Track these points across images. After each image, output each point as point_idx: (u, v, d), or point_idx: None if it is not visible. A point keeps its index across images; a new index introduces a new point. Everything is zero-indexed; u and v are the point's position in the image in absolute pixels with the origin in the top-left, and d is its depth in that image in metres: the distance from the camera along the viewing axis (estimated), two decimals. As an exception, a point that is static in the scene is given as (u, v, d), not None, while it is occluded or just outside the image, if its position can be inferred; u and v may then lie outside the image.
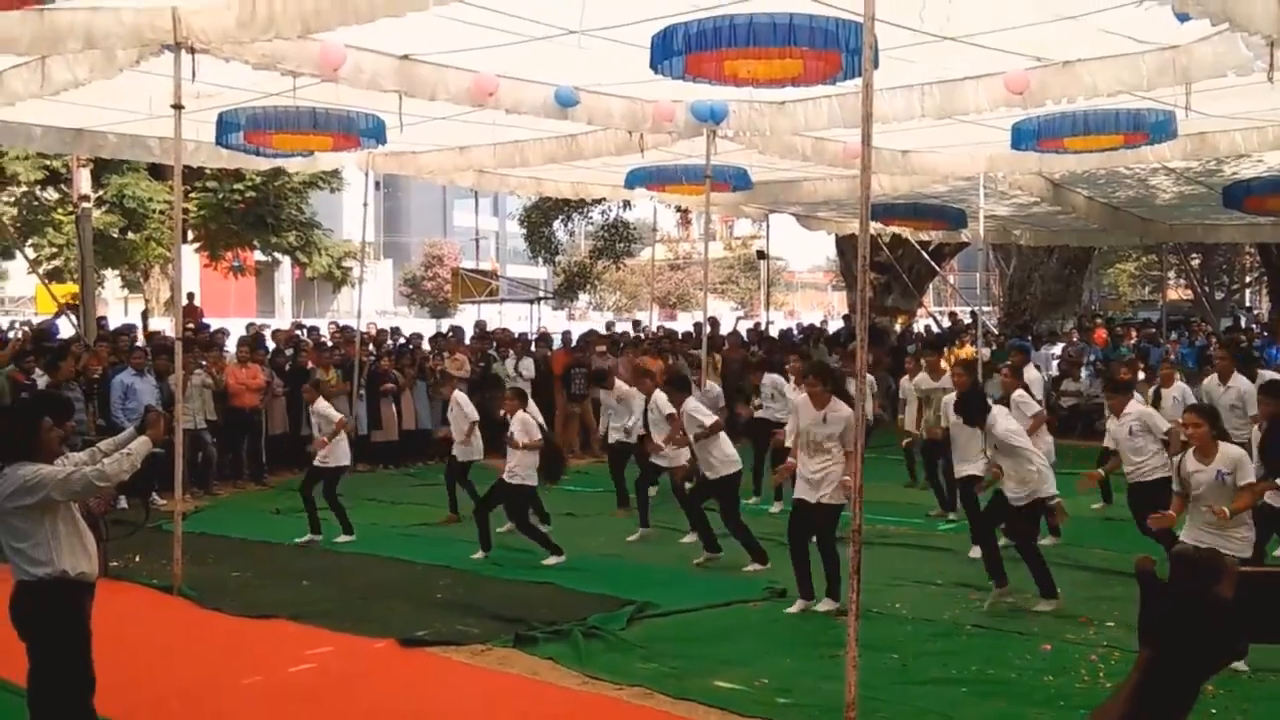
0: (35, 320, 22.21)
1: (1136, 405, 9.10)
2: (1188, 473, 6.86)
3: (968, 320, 22.98)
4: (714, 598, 8.41)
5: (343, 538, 10.70)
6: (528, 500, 10.12)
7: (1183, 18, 7.02)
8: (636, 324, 22.59)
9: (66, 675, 5.05)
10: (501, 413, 10.28)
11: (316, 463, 10.65)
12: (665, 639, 7.48)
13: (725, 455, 9.53)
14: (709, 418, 9.71)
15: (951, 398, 9.37)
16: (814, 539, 8.12)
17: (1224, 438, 7.05)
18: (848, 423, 7.83)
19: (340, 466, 10.76)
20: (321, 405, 10.86)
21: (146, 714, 5.98)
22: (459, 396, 11.37)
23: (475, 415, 11.18)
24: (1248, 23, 7.11)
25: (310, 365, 15.09)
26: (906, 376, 12.30)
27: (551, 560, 9.59)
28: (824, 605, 8.08)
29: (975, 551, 9.00)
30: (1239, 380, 10.59)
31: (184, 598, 8.61)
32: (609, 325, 23.28)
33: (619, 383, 12.00)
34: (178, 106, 8.83)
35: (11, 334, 17.32)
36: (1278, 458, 7.53)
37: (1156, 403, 11.40)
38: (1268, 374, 10.75)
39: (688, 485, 10.30)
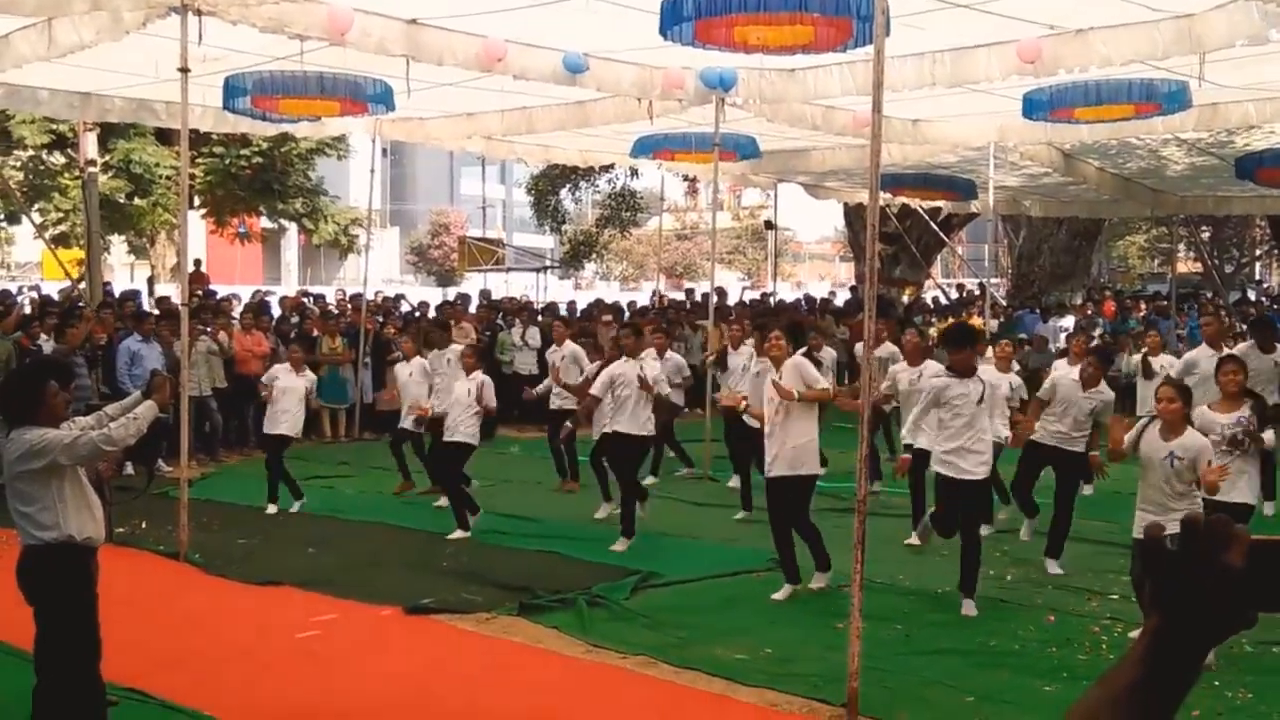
0: (42, 286, 22.25)
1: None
2: (1145, 442, 6.49)
3: (976, 291, 22.91)
4: (718, 568, 8.42)
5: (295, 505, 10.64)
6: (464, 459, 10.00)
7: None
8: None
9: (73, 640, 5.06)
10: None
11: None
12: (669, 609, 7.49)
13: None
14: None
15: (900, 366, 9.52)
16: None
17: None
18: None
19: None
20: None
21: (152, 679, 5.99)
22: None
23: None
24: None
25: (316, 333, 15.08)
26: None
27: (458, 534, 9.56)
28: (816, 582, 7.90)
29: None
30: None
31: (190, 564, 8.63)
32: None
33: (569, 341, 11.93)
34: (184, 70, 8.77)
35: (21, 298, 17.37)
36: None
37: (1146, 372, 11.44)
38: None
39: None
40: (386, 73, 10.23)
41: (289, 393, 10.46)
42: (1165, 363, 11.38)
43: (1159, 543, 1.28)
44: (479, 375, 9.93)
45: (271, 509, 10.50)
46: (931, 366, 8.83)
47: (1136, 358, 12.40)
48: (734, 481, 11.04)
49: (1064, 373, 9.03)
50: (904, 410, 9.33)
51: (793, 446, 7.69)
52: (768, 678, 6.19)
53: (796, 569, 7.82)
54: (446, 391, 10.31)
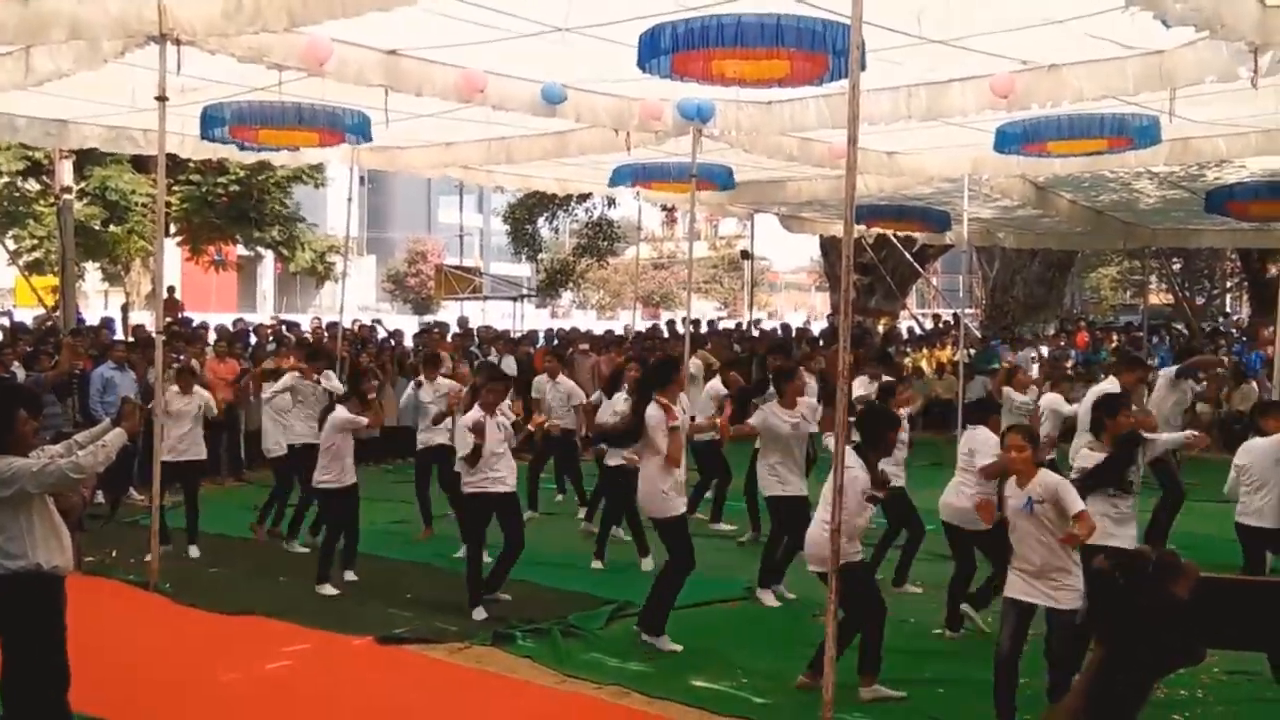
0: (15, 312, 22.07)
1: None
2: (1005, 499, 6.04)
3: (951, 322, 23.05)
4: (693, 597, 8.38)
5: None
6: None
7: (1167, 23, 7.03)
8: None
9: (40, 670, 5.01)
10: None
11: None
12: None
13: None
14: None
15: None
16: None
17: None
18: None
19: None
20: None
21: (121, 710, 5.93)
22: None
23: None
24: (1232, 29, 7.15)
25: (291, 361, 14.98)
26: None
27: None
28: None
29: None
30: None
31: (160, 594, 8.55)
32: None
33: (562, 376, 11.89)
34: (162, 99, 8.78)
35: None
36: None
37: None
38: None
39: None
40: (365, 102, 10.26)
41: (181, 417, 9.95)
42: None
43: (1105, 573, 1.31)
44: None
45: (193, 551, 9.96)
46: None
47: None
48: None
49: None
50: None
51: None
52: (743, 707, 6.19)
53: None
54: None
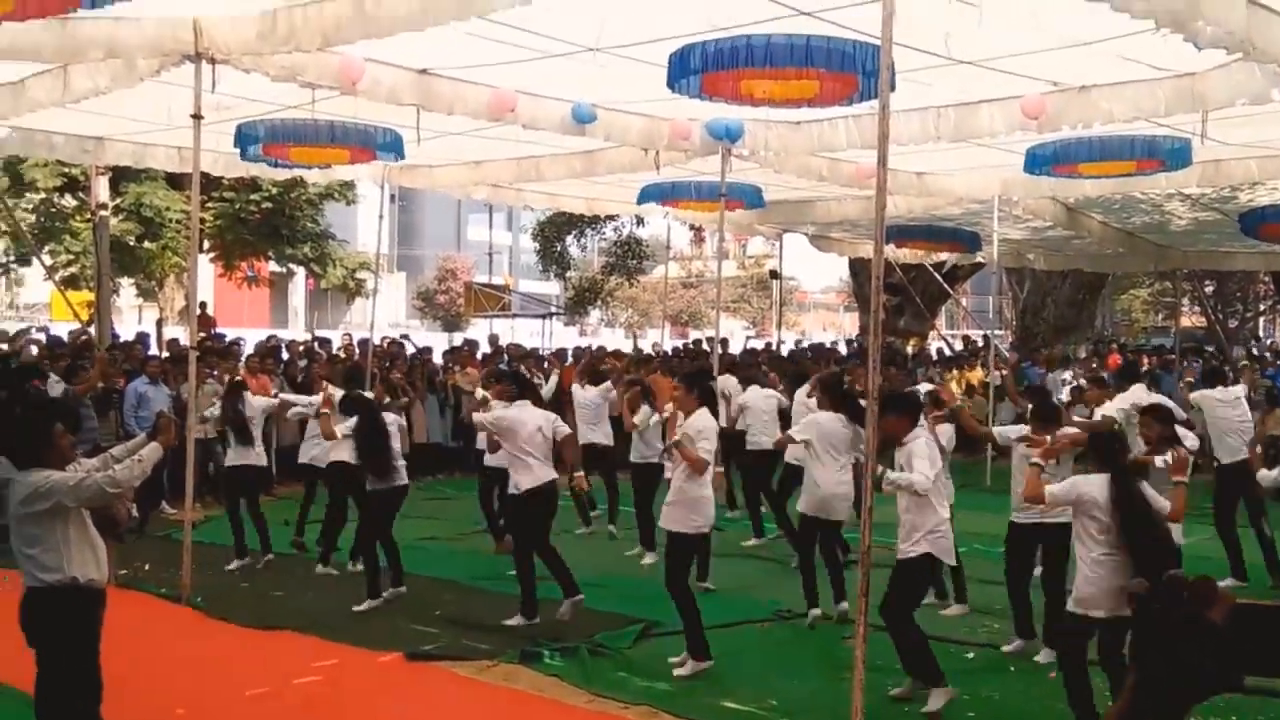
0: (51, 327, 22.34)
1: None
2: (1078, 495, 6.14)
3: (980, 343, 22.94)
4: (723, 617, 8.36)
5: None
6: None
7: (1199, 45, 7.01)
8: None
9: (74, 682, 5.06)
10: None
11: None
12: (671, 657, 7.45)
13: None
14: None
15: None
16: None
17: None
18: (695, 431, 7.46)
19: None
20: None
21: (152, 722, 5.98)
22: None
23: None
24: (1264, 51, 7.12)
25: (322, 376, 15.09)
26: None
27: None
28: (685, 669, 7.24)
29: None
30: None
31: (192, 608, 8.62)
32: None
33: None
34: (197, 117, 8.90)
35: (34, 335, 17.42)
36: None
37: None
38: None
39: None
40: (396, 120, 10.35)
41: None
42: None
43: (1143, 598, 1.31)
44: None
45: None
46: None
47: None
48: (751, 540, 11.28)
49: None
50: None
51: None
52: (770, 729, 6.16)
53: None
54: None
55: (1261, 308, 37.72)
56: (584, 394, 11.80)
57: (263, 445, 10.67)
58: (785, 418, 11.38)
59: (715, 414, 7.90)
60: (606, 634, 7.88)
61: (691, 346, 23.35)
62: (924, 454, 6.74)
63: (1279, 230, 13.88)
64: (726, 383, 12.47)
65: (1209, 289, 32.39)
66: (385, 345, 18.77)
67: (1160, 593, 1.32)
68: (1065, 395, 17.40)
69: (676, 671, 7.18)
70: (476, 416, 8.79)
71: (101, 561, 5.12)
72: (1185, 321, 33.26)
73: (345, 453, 9.53)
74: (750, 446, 11.28)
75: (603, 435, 11.66)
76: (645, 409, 10.03)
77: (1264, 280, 32.61)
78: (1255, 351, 26.61)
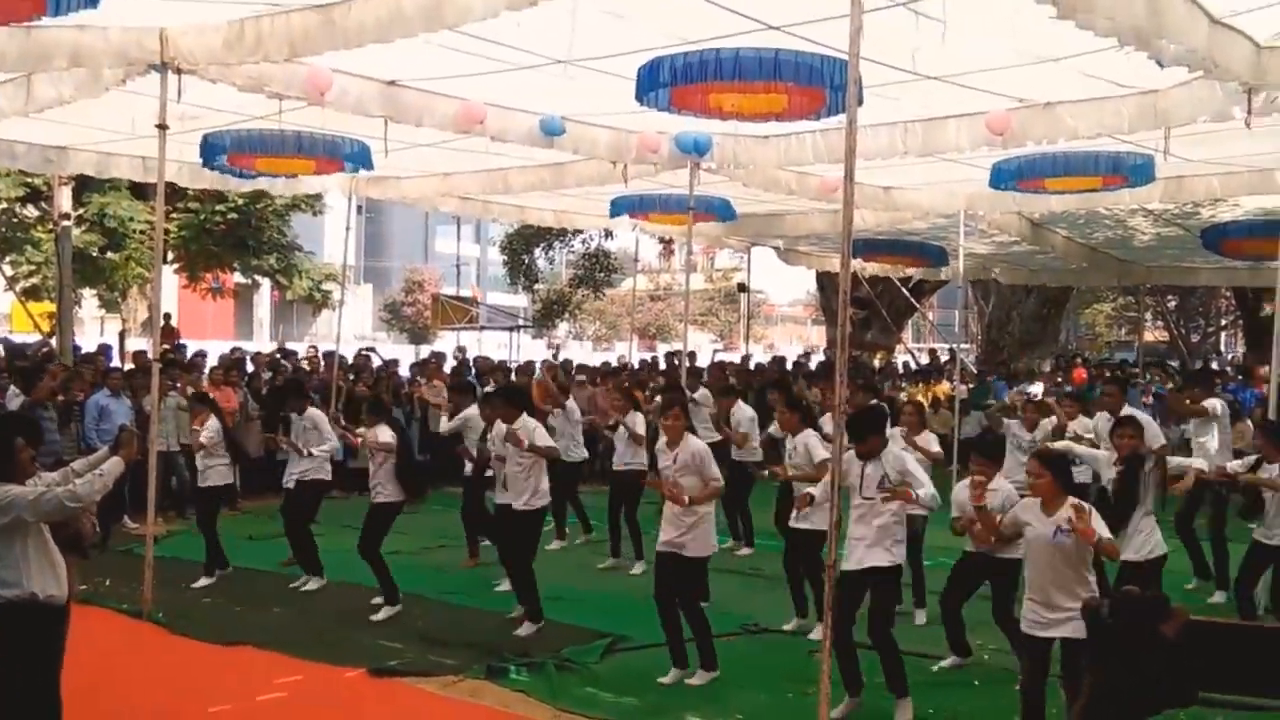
0: (11, 338, 22.07)
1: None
2: (1023, 524, 5.99)
3: (945, 358, 23.08)
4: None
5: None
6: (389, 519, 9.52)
7: (1162, 63, 7.10)
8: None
9: (32, 701, 4.97)
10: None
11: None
12: (639, 672, 7.43)
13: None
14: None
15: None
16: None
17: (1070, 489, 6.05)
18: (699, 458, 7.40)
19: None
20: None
21: (112, 740, 5.89)
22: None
23: None
24: (1226, 69, 7.21)
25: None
26: None
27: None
28: (696, 679, 7.32)
29: None
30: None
31: (153, 623, 8.51)
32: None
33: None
34: (162, 127, 8.82)
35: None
36: (1128, 500, 7.14)
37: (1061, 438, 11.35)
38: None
39: None
40: (364, 132, 10.31)
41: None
42: (1080, 428, 11.02)
43: (1095, 611, 1.34)
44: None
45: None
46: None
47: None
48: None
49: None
50: None
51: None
52: (737, 744, 6.14)
53: (683, 654, 7.43)
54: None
55: (1223, 322, 38.18)
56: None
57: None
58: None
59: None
60: (573, 649, 7.85)
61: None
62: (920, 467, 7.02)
63: (1240, 246, 14.07)
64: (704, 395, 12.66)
65: (1172, 304, 32.78)
66: (361, 357, 18.66)
67: (1116, 607, 1.35)
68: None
69: (690, 681, 7.25)
70: (538, 443, 8.66)
71: (61, 578, 5.04)
72: (1149, 336, 33.59)
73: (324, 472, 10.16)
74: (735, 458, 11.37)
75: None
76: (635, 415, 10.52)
77: (1225, 296, 33.02)
78: (1216, 366, 26.91)
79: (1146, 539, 7.11)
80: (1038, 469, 5.92)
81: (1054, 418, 10.49)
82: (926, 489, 6.72)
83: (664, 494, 7.48)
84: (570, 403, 12.27)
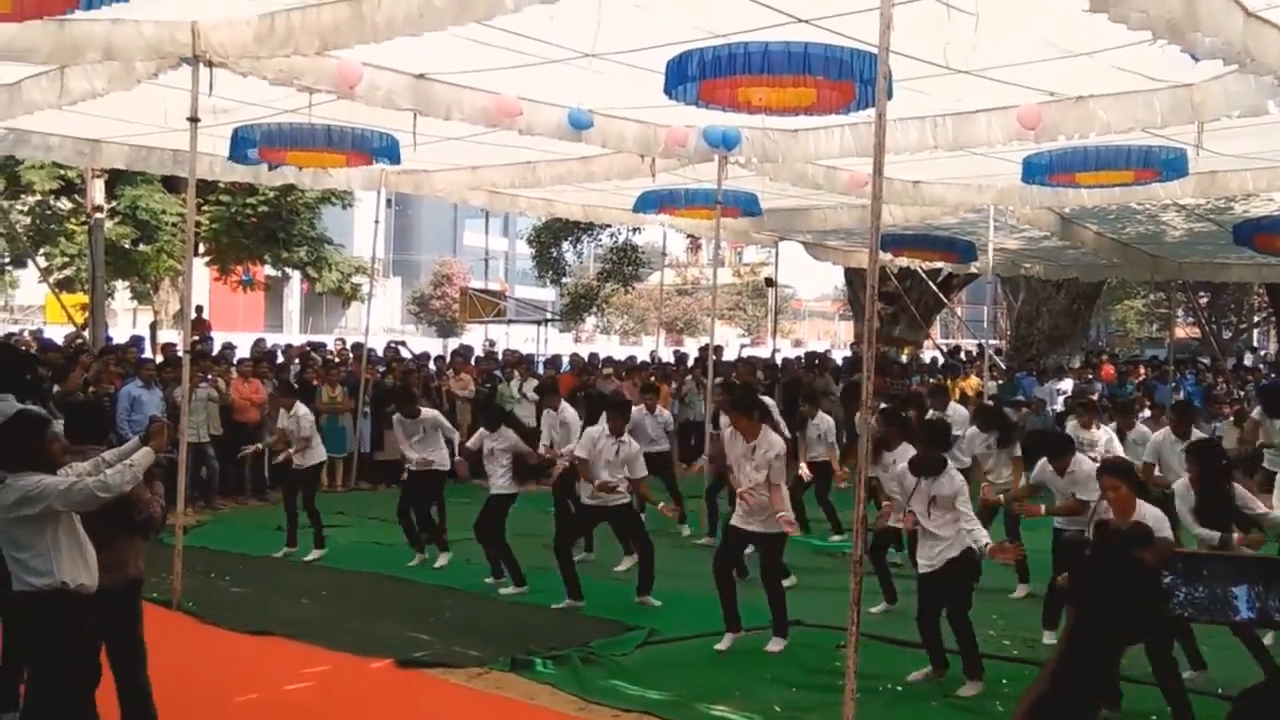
0: (45, 329, 22.30)
1: (1081, 460, 8.42)
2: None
3: (975, 352, 22.94)
4: (716, 625, 8.36)
5: (314, 554, 10.73)
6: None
7: (1195, 57, 7.02)
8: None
9: (62, 685, 5.03)
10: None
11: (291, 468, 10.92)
12: (665, 665, 7.45)
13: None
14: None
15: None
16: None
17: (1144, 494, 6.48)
18: (777, 453, 7.88)
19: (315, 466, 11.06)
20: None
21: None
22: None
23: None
24: (1261, 63, 7.13)
25: (316, 382, 15.09)
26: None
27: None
28: (773, 645, 7.91)
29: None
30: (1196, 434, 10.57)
31: (183, 612, 8.58)
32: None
33: (564, 403, 11.39)
34: (194, 120, 8.88)
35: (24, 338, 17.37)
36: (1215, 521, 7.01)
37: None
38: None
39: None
40: (393, 125, 10.34)
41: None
42: (1137, 436, 10.94)
43: (1076, 543, 1.37)
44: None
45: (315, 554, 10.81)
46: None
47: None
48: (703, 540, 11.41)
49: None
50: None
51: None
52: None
53: (737, 618, 8.01)
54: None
55: (1255, 319, 37.80)
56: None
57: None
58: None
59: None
60: (601, 641, 7.86)
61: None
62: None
63: (1273, 242, 13.91)
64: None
65: (1203, 300, 32.45)
66: (389, 351, 18.76)
67: (1097, 537, 1.38)
68: (1060, 405, 17.50)
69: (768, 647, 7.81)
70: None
71: (92, 566, 5.09)
72: (1180, 333, 33.33)
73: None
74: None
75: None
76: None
77: (1258, 292, 32.71)
78: (1249, 363, 26.66)
79: None
80: (1114, 482, 6.16)
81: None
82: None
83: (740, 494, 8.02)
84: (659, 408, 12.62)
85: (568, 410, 11.01)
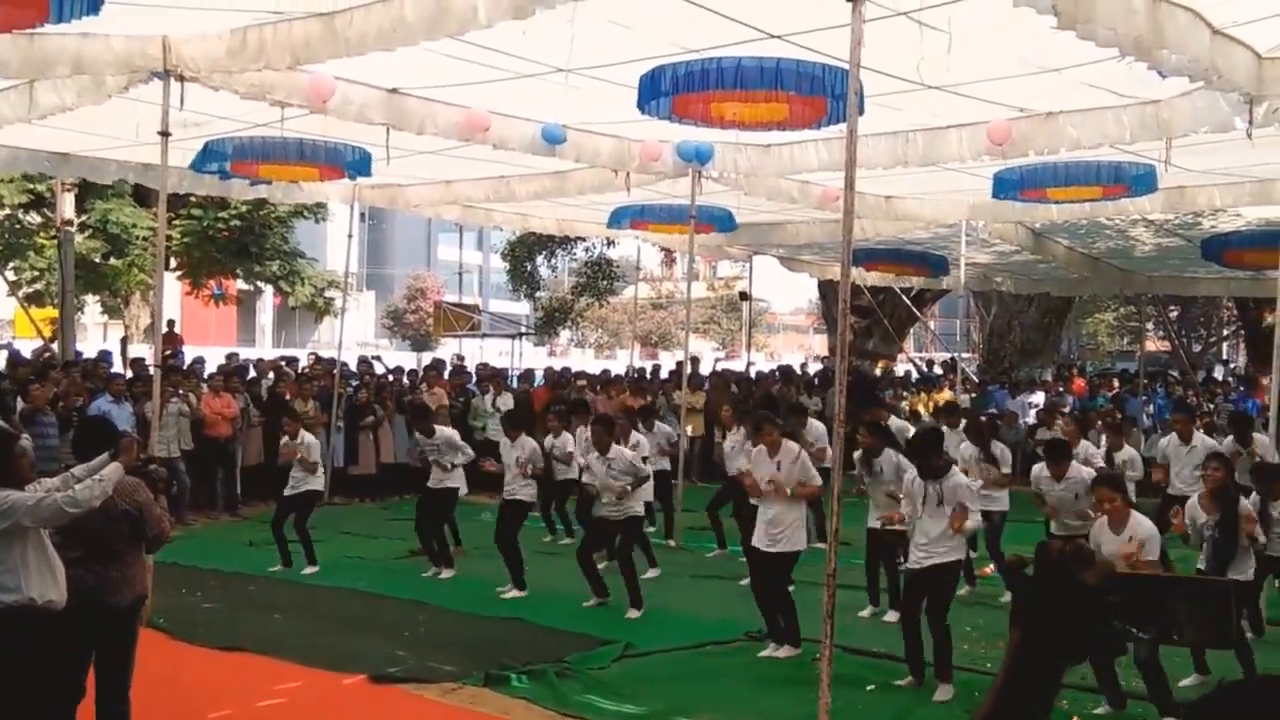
0: (14, 344, 22.10)
1: (1079, 468, 8.73)
2: (1096, 544, 6.40)
3: (943, 367, 23.05)
4: (691, 638, 8.36)
5: (308, 569, 10.69)
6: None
7: (1163, 74, 7.11)
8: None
9: (31, 704, 4.97)
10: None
11: (287, 492, 10.80)
12: (641, 679, 7.43)
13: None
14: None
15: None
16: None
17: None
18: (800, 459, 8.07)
19: (311, 492, 10.91)
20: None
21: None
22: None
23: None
24: (1228, 80, 7.22)
25: (289, 396, 15.01)
26: None
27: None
28: (783, 651, 8.06)
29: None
30: (1201, 438, 10.69)
31: (154, 629, 8.49)
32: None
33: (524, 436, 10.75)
34: (165, 134, 8.84)
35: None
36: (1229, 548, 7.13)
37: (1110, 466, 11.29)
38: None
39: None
40: (366, 139, 10.33)
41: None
42: (1127, 456, 10.82)
43: (1016, 566, 1.39)
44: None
45: (310, 569, 10.76)
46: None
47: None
48: (714, 553, 11.52)
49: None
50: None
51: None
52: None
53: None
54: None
55: (1225, 333, 38.15)
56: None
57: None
58: None
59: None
60: (576, 655, 7.84)
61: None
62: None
63: (1241, 257, 14.06)
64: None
65: (1173, 314, 32.73)
66: (368, 366, 18.67)
67: (1037, 557, 1.40)
68: (1032, 418, 17.59)
69: (772, 653, 7.96)
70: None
71: (60, 583, 5.04)
72: (1150, 346, 33.59)
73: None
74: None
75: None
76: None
77: (1228, 306, 33.00)
78: (1219, 376, 26.89)
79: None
80: (1109, 494, 6.52)
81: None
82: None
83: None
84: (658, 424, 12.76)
85: (528, 443, 10.53)
